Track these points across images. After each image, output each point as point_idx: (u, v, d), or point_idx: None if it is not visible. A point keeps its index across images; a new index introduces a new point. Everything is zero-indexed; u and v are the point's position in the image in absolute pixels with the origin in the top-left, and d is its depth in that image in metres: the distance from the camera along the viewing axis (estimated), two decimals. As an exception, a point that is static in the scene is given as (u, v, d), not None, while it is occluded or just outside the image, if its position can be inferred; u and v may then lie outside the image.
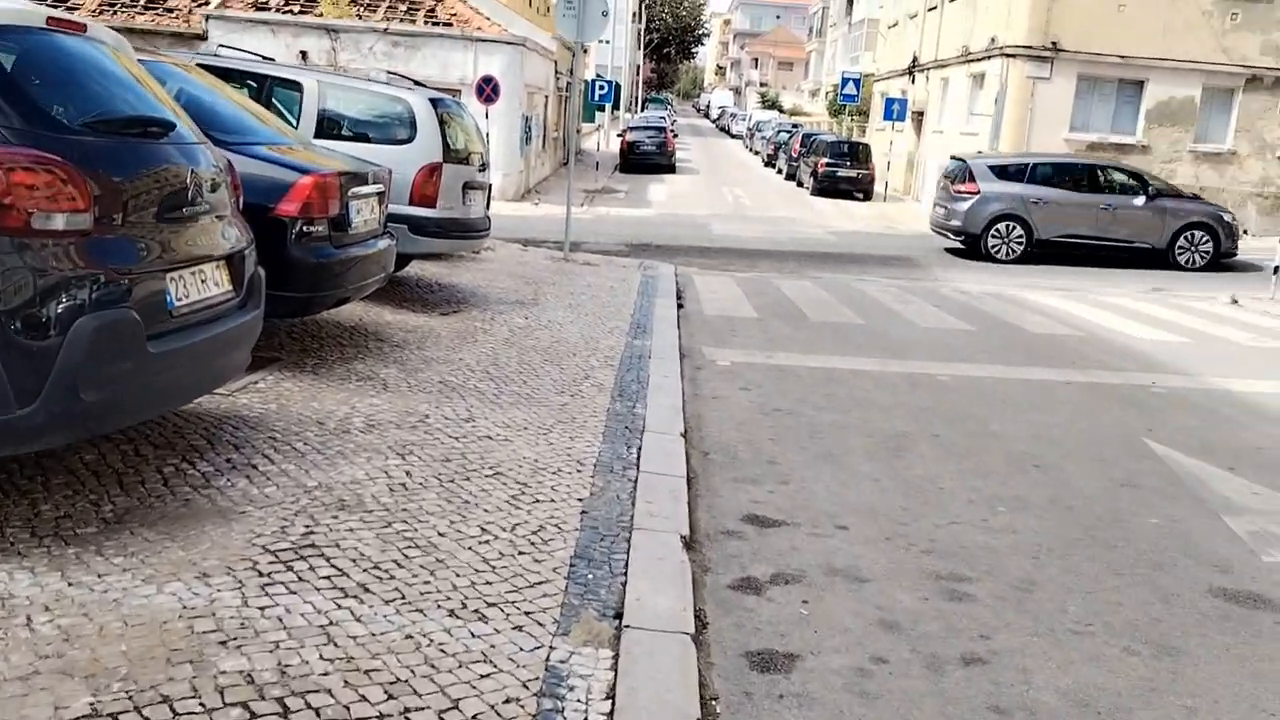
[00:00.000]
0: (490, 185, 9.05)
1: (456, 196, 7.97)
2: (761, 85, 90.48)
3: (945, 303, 11.69)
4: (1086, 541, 4.55)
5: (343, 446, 4.53)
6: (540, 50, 24.67)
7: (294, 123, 7.50)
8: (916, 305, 11.32)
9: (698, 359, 7.76)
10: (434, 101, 7.85)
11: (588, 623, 3.19)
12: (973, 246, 16.91)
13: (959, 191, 17.17)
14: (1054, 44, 21.78)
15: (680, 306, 10.21)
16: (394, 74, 8.35)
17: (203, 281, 3.82)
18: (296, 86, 7.66)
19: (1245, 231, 22.11)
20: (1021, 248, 16.61)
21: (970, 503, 4.95)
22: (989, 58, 23.12)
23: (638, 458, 4.88)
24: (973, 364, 8.23)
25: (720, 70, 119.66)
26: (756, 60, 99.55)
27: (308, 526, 3.66)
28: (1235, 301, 13.10)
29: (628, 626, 3.18)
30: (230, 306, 4.03)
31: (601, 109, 32.51)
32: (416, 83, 8.34)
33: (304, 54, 22.66)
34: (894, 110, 27.45)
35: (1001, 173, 17.09)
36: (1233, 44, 21.66)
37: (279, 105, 7.58)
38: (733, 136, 57.56)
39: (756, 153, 43.58)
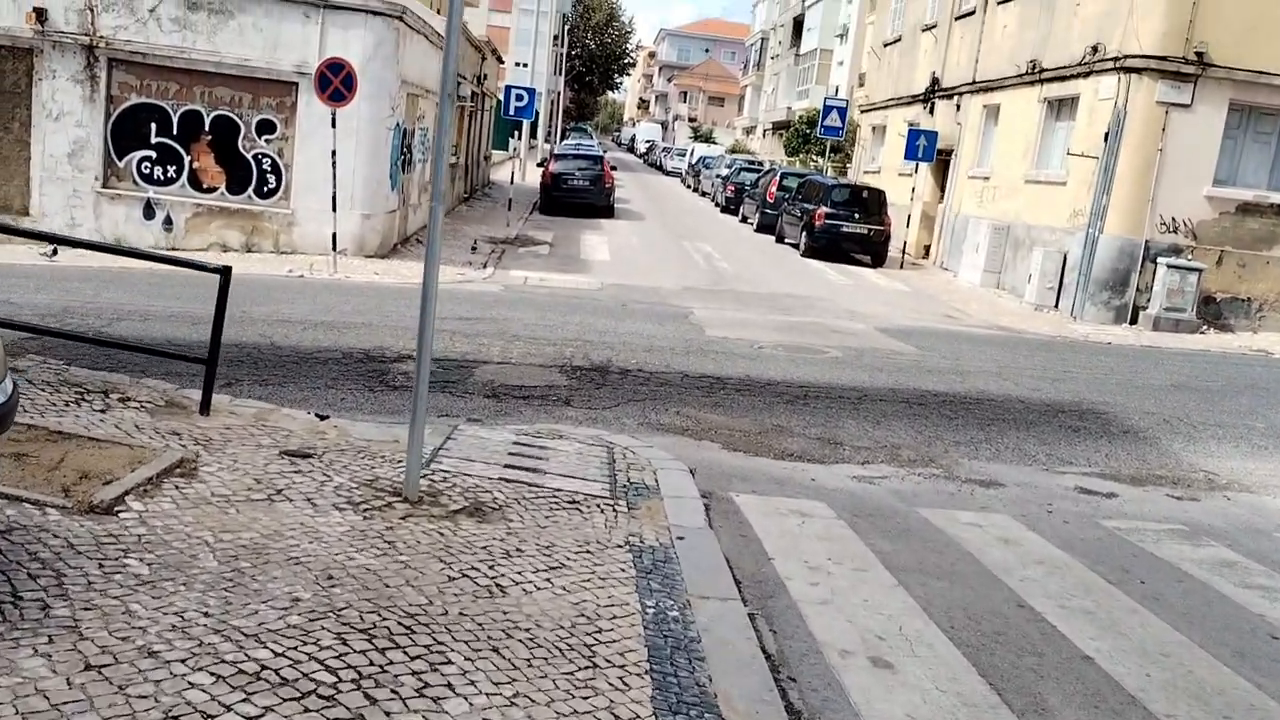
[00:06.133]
0: None
1: None
2: (691, 120, 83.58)
3: None
4: None
5: None
6: (429, 34, 16.54)
7: None
8: None
9: None
10: None
11: None
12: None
13: None
14: (1199, 55, 14.66)
15: None
16: None
17: None
18: None
19: None
20: None
21: None
22: (1089, 74, 15.92)
23: None
24: None
25: (643, 104, 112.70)
26: (685, 94, 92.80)
27: None
28: None
29: None
30: None
31: (518, 127, 24.40)
32: None
33: (39, 12, 14.12)
34: (919, 147, 20.08)
35: None
36: None
37: None
38: (667, 174, 49.97)
39: (705, 194, 35.91)
